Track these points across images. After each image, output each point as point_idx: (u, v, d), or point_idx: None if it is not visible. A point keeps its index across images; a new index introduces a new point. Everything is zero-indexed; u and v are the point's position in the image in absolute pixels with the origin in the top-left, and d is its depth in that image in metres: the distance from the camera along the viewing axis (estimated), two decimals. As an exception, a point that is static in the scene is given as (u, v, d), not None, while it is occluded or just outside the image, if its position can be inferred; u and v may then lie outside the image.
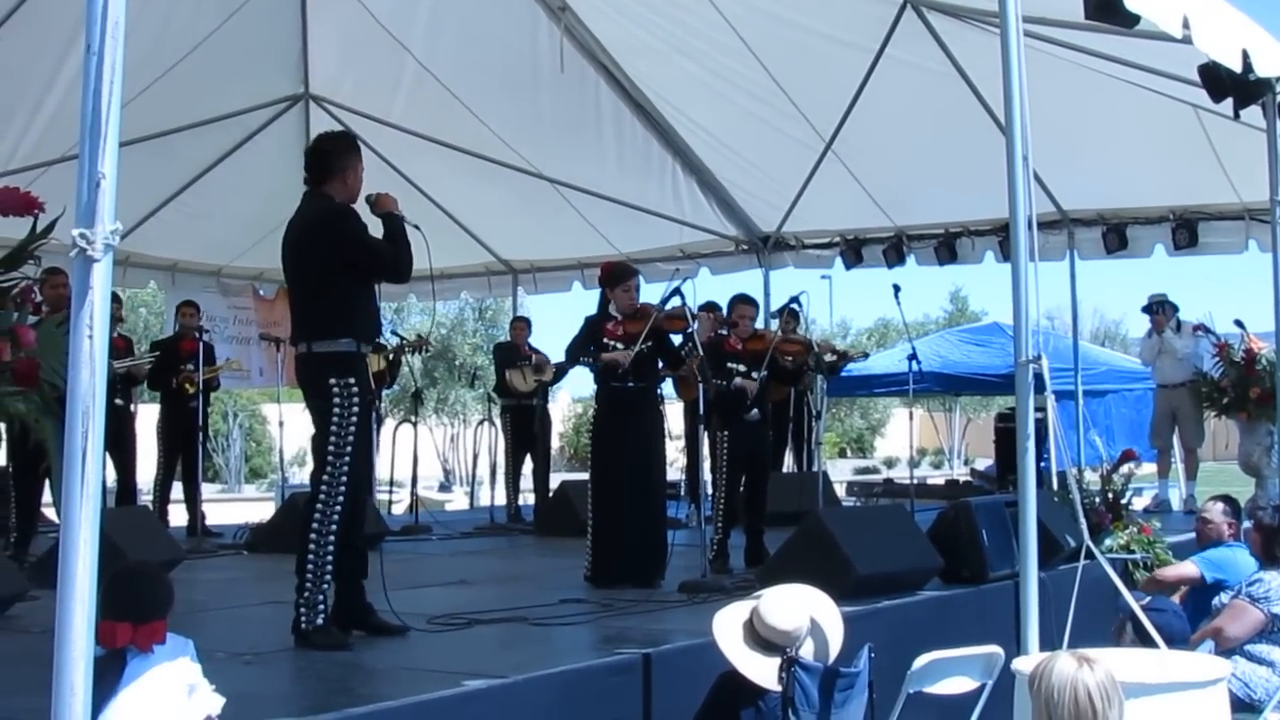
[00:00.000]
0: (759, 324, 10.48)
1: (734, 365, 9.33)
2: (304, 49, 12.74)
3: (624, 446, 8.34)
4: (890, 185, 13.24)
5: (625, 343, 8.42)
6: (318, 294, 6.22)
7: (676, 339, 9.03)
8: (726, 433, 9.23)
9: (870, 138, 12.41)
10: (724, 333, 9.90)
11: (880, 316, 45.40)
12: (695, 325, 8.75)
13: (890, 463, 42.69)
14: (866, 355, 14.51)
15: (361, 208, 6.46)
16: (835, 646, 4.87)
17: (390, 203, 6.44)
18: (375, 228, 6.49)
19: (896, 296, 11.73)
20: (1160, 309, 13.02)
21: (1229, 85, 7.80)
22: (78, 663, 3.01)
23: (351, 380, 6.12)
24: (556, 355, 13.19)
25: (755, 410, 9.37)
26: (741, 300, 9.73)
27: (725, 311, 9.92)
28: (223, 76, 12.01)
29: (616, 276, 8.65)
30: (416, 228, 6.44)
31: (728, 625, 4.79)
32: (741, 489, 9.40)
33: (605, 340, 8.49)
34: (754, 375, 9.41)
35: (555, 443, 43.42)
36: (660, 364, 8.79)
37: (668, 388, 10.73)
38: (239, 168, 13.58)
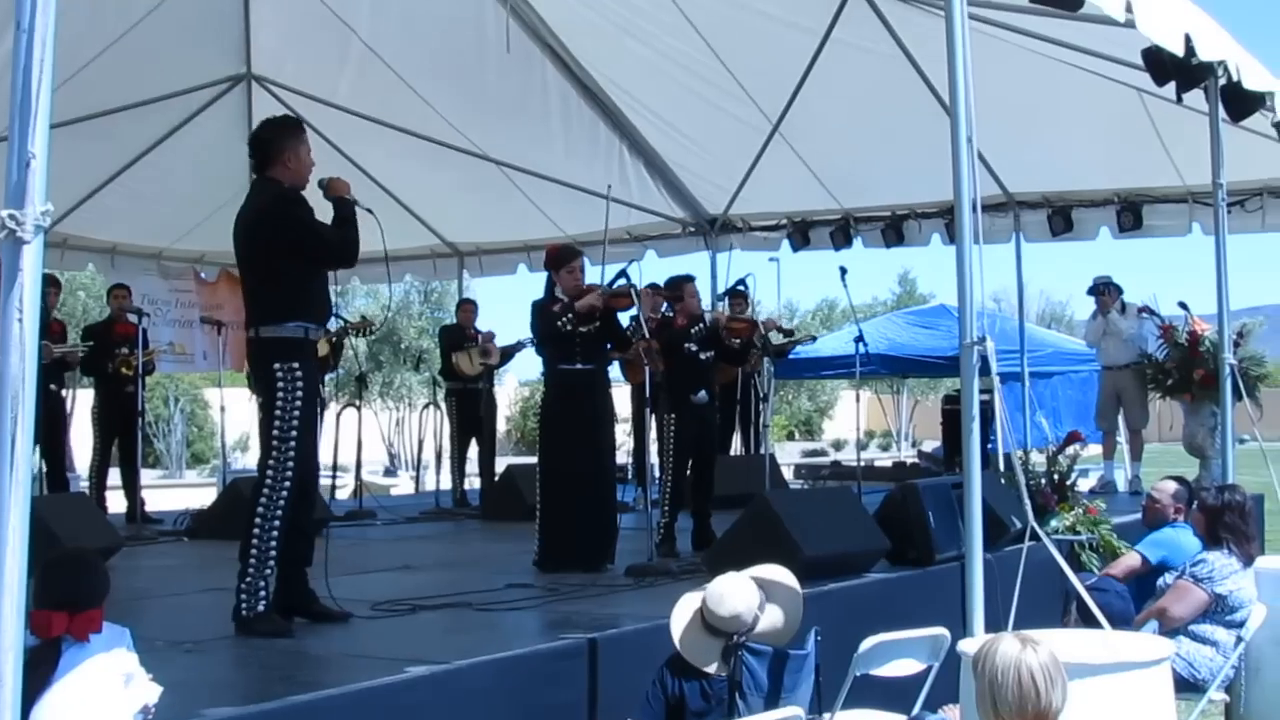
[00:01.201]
0: (704, 304, 10.50)
1: (699, 329, 9.30)
2: (246, 28, 12.63)
3: (573, 430, 8.31)
4: (837, 168, 13.25)
5: (571, 324, 8.39)
6: (265, 279, 6.21)
7: (624, 321, 9.05)
8: (673, 415, 9.23)
9: (817, 120, 12.45)
10: (669, 314, 9.89)
11: (826, 297, 45.69)
12: (639, 306, 8.76)
13: (838, 445, 42.79)
14: (814, 338, 14.54)
15: (314, 192, 6.44)
16: (798, 612, 4.90)
17: (342, 187, 6.40)
18: (328, 212, 6.45)
19: (843, 279, 11.74)
20: (1105, 291, 13.08)
21: (1172, 69, 7.85)
22: (7, 653, 2.98)
23: (295, 365, 6.10)
24: (503, 337, 13.21)
25: (703, 392, 9.36)
26: (684, 280, 9.70)
27: (668, 288, 9.87)
28: (163, 56, 11.89)
29: (561, 259, 8.61)
30: (370, 211, 6.39)
31: (684, 610, 4.81)
32: (688, 472, 9.39)
33: (554, 309, 8.41)
34: (702, 354, 9.44)
35: (501, 426, 43.61)
36: (608, 346, 8.80)
37: (615, 371, 10.76)
38: (180, 149, 13.49)
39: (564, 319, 8.36)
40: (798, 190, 13.67)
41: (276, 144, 6.36)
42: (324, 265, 6.33)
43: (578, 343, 8.41)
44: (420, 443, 14.84)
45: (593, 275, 8.91)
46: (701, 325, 9.40)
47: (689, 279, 9.77)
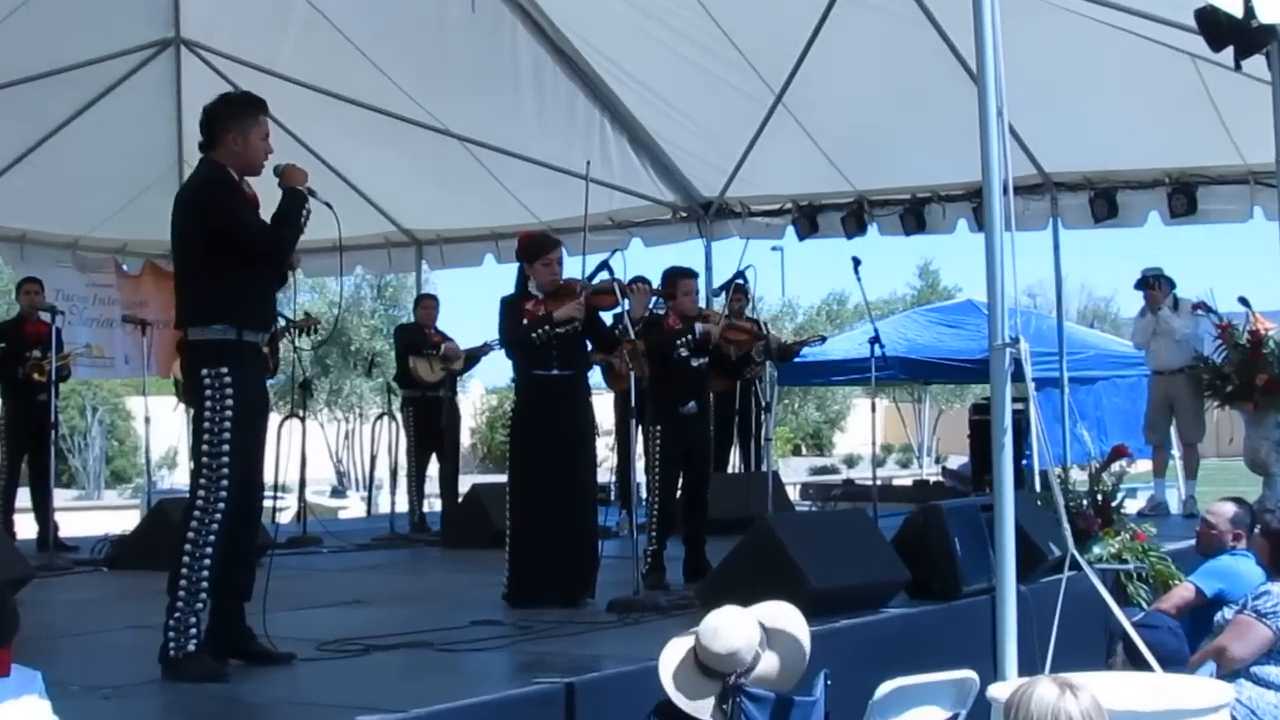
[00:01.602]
0: (700, 301, 10.49)
1: (686, 339, 9.30)
2: (174, -15, 13.00)
3: (549, 444, 8.28)
4: (849, 144, 13.25)
5: (546, 338, 8.35)
6: (191, 274, 6.25)
7: (607, 319, 9.01)
8: (660, 427, 9.23)
9: (826, 90, 12.42)
10: (660, 311, 9.90)
11: (836, 292, 45.75)
12: (627, 302, 8.81)
13: (851, 461, 42.73)
14: (823, 339, 14.48)
15: (272, 184, 6.48)
16: (800, 665, 4.89)
17: (298, 177, 6.39)
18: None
19: (856, 271, 11.70)
20: (1155, 284, 13.05)
21: (1229, 32, 7.83)
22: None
23: (224, 370, 6.08)
24: (468, 338, 13.23)
25: (693, 402, 9.35)
26: (682, 274, 9.71)
27: (660, 285, 9.81)
28: (79, 19, 11.82)
29: (536, 249, 8.56)
30: (328, 206, 6.41)
31: (673, 653, 4.82)
32: (679, 492, 9.41)
33: (525, 322, 8.41)
34: (695, 361, 9.42)
35: (466, 440, 43.49)
36: (589, 346, 8.77)
37: (596, 377, 10.76)
38: (98, 124, 13.40)
39: (539, 331, 8.36)
40: (804, 170, 13.64)
41: (223, 122, 6.34)
42: (248, 262, 6.26)
43: (554, 345, 8.39)
44: (373, 459, 14.80)
45: (572, 267, 8.93)
46: (690, 336, 9.38)
47: (688, 274, 9.76)
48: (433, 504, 13.99)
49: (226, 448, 6.06)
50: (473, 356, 13.22)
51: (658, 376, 9.30)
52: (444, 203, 15.28)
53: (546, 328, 8.34)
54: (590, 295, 8.58)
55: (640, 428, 9.20)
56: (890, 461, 43.79)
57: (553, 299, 8.53)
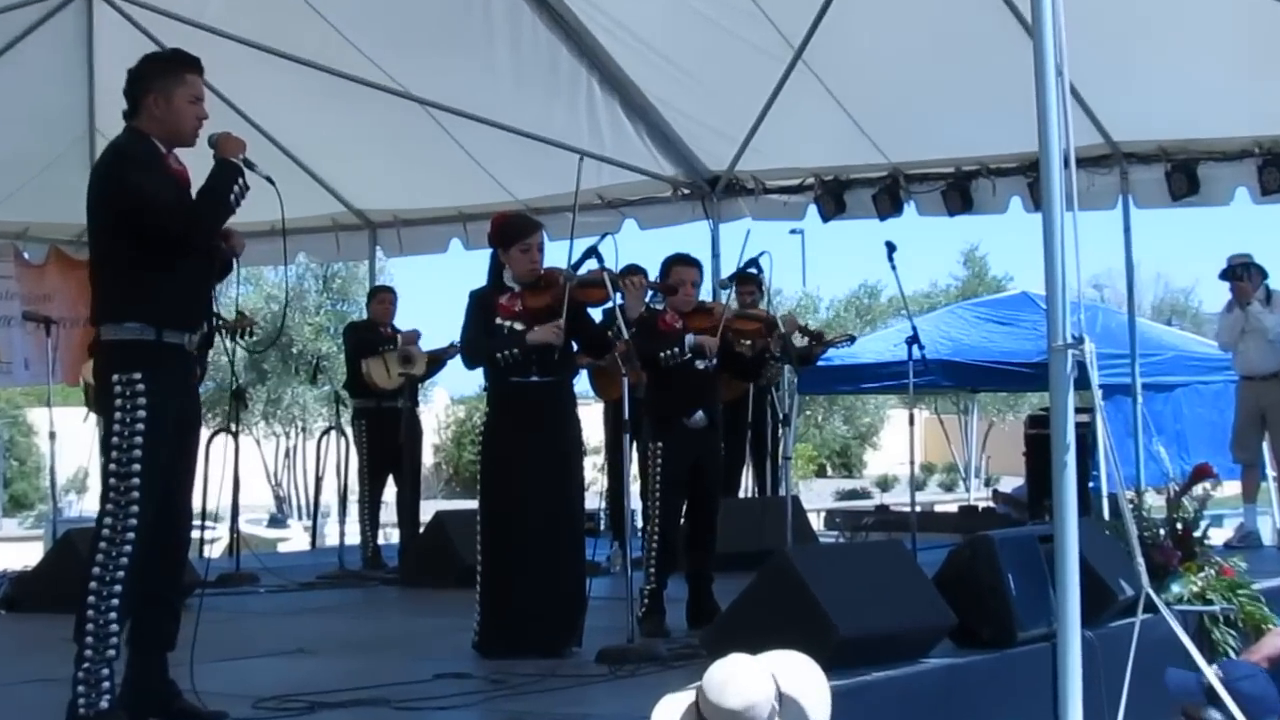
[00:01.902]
0: (704, 294, 10.47)
1: (671, 352, 9.31)
2: (83, -77, 12.95)
3: (527, 463, 8.28)
4: (882, 109, 13.29)
5: (527, 322, 8.36)
6: (104, 263, 6.28)
7: (596, 316, 9.04)
8: (661, 444, 9.22)
9: (855, 45, 12.49)
10: (658, 306, 9.88)
11: (868, 283, 45.71)
12: (620, 296, 8.75)
13: (885, 484, 42.79)
14: (852, 339, 14.38)
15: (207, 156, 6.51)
16: None
17: (232, 146, 6.37)
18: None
19: (891, 258, 11.75)
20: (1244, 275, 13.01)
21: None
22: None
23: (138, 376, 6.06)
24: (431, 339, 13.25)
25: (700, 413, 9.32)
26: (681, 261, 9.69)
27: (658, 276, 9.77)
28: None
29: (512, 232, 8.53)
30: (269, 180, 6.42)
31: (670, 710, 4.84)
32: (682, 521, 9.40)
33: (500, 321, 8.43)
34: (700, 364, 9.42)
35: (428, 458, 43.32)
36: (575, 348, 8.71)
37: (583, 383, 10.73)
38: (-6, 86, 14.00)
39: (505, 353, 8.33)
40: (829, 139, 13.70)
41: (144, 84, 6.35)
42: (170, 248, 6.22)
43: (532, 348, 8.44)
44: (318, 481, 14.77)
45: (555, 255, 8.93)
46: (674, 350, 9.33)
47: (686, 262, 9.74)
48: (389, 535, 13.98)
49: (137, 467, 6.02)
50: (437, 359, 13.24)
51: (657, 383, 9.30)
52: (403, 178, 15.36)
53: (514, 350, 8.34)
54: (576, 289, 8.60)
55: (636, 444, 9.19)
56: (932, 484, 43.75)
57: (532, 293, 8.53)
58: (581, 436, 9.03)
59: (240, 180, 6.38)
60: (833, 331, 13.52)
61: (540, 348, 8.51)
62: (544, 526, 8.31)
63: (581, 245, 9.12)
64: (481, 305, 8.55)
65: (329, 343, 33.17)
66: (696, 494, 9.44)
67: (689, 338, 9.50)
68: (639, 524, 9.57)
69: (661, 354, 9.40)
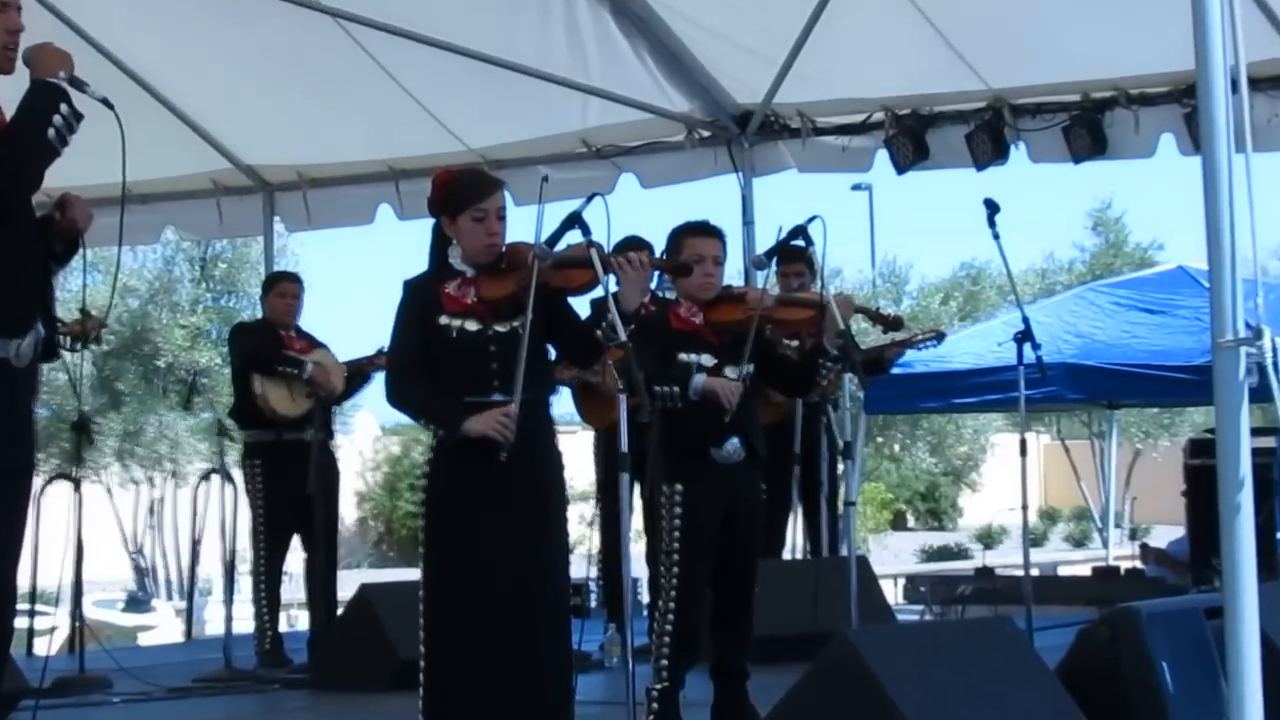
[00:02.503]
0: (731, 276, 10.46)
1: (690, 356, 9.43)
2: None
3: (487, 517, 8.18)
4: (978, 17, 13.42)
5: (483, 319, 8.32)
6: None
7: (582, 309, 9.09)
8: (680, 488, 9.33)
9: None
10: (668, 293, 9.88)
11: (965, 261, 45.68)
12: (614, 281, 8.74)
13: (989, 537, 42.79)
14: (939, 336, 14.23)
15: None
16: None
17: (53, 61, 6.44)
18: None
19: (992, 221, 11.90)
20: None
21: None
22: None
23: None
24: (351, 345, 13.24)
25: (734, 441, 9.40)
26: (697, 231, 9.77)
27: (668, 251, 9.92)
28: None
29: (462, 195, 8.42)
30: (106, 104, 6.47)
31: None
32: (705, 589, 9.42)
33: (444, 320, 8.36)
34: (731, 371, 9.50)
35: (350, 512, 43.25)
36: (553, 355, 8.78)
37: (567, 402, 10.75)
38: None
39: (436, 425, 8.40)
40: (905, 58, 13.92)
41: None
42: None
43: (492, 353, 8.35)
44: (195, 545, 14.79)
45: (521, 226, 8.93)
46: (672, 390, 9.34)
47: (707, 233, 9.80)
48: (296, 618, 13.81)
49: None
50: (359, 372, 13.37)
51: (670, 404, 9.32)
52: (310, 123, 15.79)
53: (441, 424, 8.40)
54: (552, 271, 8.56)
55: (640, 488, 9.20)
56: (1055, 537, 43.76)
57: (490, 279, 8.46)
58: (563, 478, 8.98)
59: (64, 106, 6.37)
60: (915, 328, 13.36)
61: (507, 350, 8.56)
62: (512, 605, 8.17)
63: (559, 213, 9.20)
64: (417, 300, 8.51)
65: (209, 352, 33.13)
66: (728, 556, 9.52)
67: (697, 380, 9.43)
68: (644, 599, 9.59)
69: (656, 388, 9.41)
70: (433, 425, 8.51)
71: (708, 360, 9.52)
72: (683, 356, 9.45)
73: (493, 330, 8.38)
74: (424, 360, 8.50)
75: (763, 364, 9.73)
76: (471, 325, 8.42)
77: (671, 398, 9.46)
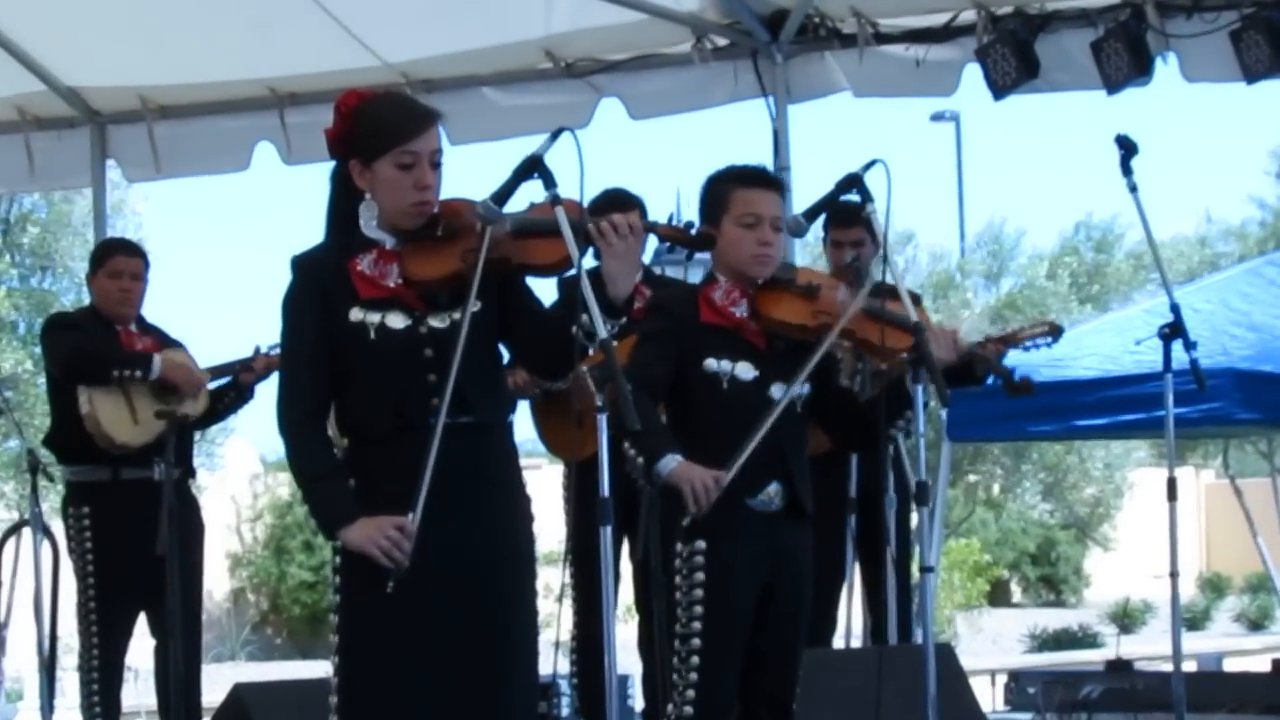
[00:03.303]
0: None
1: (721, 363, 9.77)
2: None
3: (422, 589, 8.42)
4: None
5: (411, 313, 8.51)
6: None
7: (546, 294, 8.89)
8: (702, 544, 9.68)
9: None
10: (668, 270, 9.99)
11: (1076, 217, 45.95)
12: (594, 253, 8.77)
13: (1126, 617, 42.83)
14: (1056, 332, 14.44)
15: None
16: None
17: None
18: None
19: (1126, 168, 11.99)
20: None
21: None
22: None
23: None
24: (217, 346, 13.17)
25: (773, 485, 9.82)
26: (753, 180, 10.21)
27: (704, 208, 10.20)
28: None
29: (381, 129, 8.58)
30: None
31: None
32: (730, 693, 9.76)
33: (356, 315, 8.55)
34: (777, 390, 9.60)
35: (219, 581, 43.78)
36: (507, 359, 8.87)
37: (524, 429, 10.80)
38: None
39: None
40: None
41: None
42: None
43: (428, 358, 8.59)
44: (1, 620, 14.95)
45: (465, 179, 8.97)
46: (640, 466, 9.58)
47: (765, 182, 10.21)
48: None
49: None
50: (235, 385, 13.64)
51: (687, 425, 9.43)
52: (157, 29, 15.83)
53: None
54: (508, 241, 8.58)
55: (632, 546, 9.30)
56: (1220, 615, 44.10)
57: (420, 251, 8.51)
58: (530, 534, 9.12)
59: None
60: (1029, 327, 13.38)
61: (443, 350, 8.63)
62: (454, 710, 8.45)
63: (512, 153, 9.20)
64: (313, 284, 8.54)
65: (15, 354, 33.45)
66: (765, 640, 9.86)
67: (665, 462, 9.63)
68: (637, 705, 9.67)
69: (625, 445, 9.52)
70: (309, 507, 8.62)
71: (746, 371, 9.43)
72: (710, 364, 9.56)
73: (427, 326, 8.49)
74: (328, 374, 8.60)
75: (817, 392, 9.81)
76: (396, 320, 8.46)
77: (636, 468, 9.60)
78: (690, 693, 9.09)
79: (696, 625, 9.14)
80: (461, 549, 8.27)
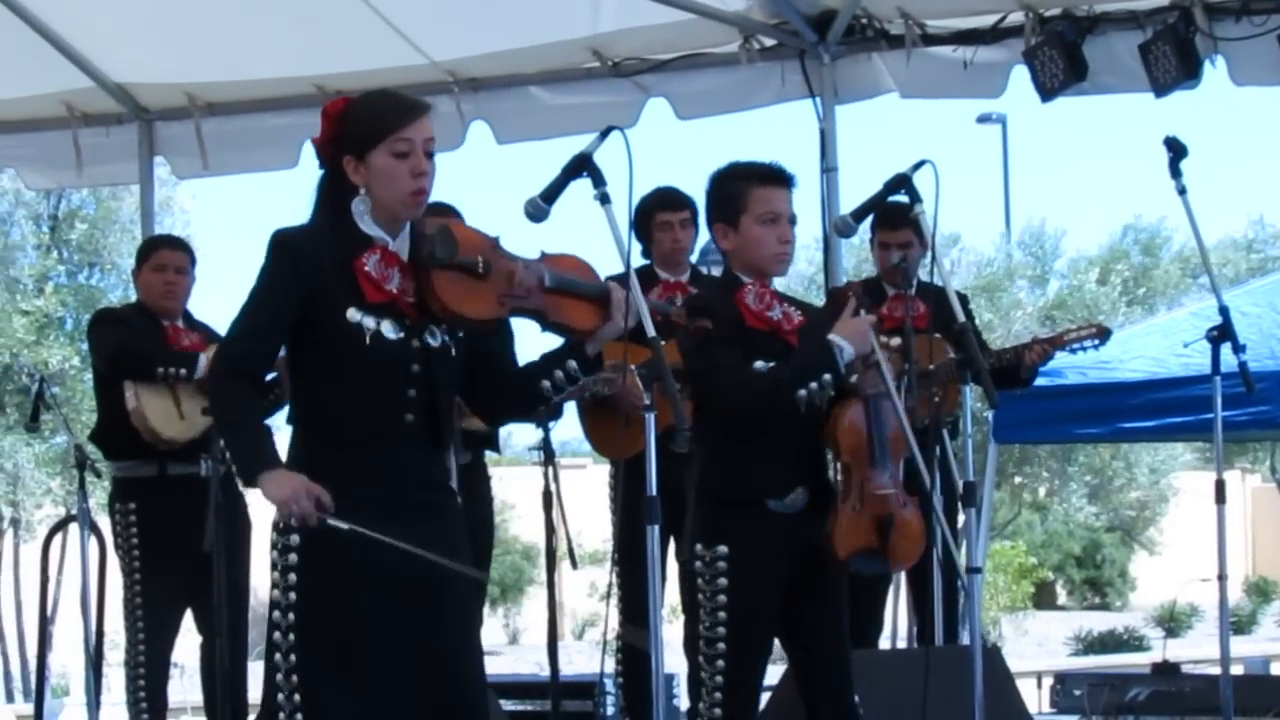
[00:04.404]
0: (805, 245, 10.49)
1: (767, 365, 9.72)
2: None
3: (370, 600, 8.55)
4: None
5: (404, 325, 8.55)
6: None
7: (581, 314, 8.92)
8: (723, 549, 9.82)
9: None
10: (714, 269, 9.96)
11: (1125, 221, 45.87)
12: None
13: (1173, 620, 42.80)
14: (1103, 335, 14.46)
15: None
16: None
17: None
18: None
19: (1176, 168, 12.09)
20: None
21: None
22: None
23: None
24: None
25: (800, 490, 9.95)
26: (768, 178, 10.32)
27: (714, 203, 10.31)
28: None
29: (375, 120, 8.69)
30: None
31: None
32: (762, 694, 9.67)
33: (351, 316, 8.50)
34: (809, 388, 9.64)
35: (266, 578, 43.08)
36: (561, 368, 8.80)
37: (569, 428, 10.79)
38: None
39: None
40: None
41: None
42: None
43: (415, 374, 8.70)
44: (44, 624, 14.95)
45: (512, 180, 8.95)
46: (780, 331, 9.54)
47: (779, 179, 10.30)
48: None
49: None
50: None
51: (715, 427, 9.39)
52: (206, 27, 16.04)
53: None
54: (545, 297, 8.68)
55: (674, 547, 9.27)
56: (1266, 620, 44.03)
57: (456, 287, 8.62)
58: (491, 527, 9.09)
59: None
60: (1077, 328, 13.32)
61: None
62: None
63: (556, 155, 9.19)
64: (308, 265, 8.54)
65: (63, 349, 33.48)
66: (803, 645, 9.92)
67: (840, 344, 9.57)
68: (682, 704, 9.64)
69: (800, 389, 9.52)
70: (229, 455, 8.58)
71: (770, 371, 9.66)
72: (759, 365, 9.61)
73: (420, 342, 8.55)
74: (279, 342, 8.52)
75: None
76: (391, 330, 8.53)
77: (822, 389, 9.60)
78: (718, 695, 9.01)
79: (720, 629, 9.05)
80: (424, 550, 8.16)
